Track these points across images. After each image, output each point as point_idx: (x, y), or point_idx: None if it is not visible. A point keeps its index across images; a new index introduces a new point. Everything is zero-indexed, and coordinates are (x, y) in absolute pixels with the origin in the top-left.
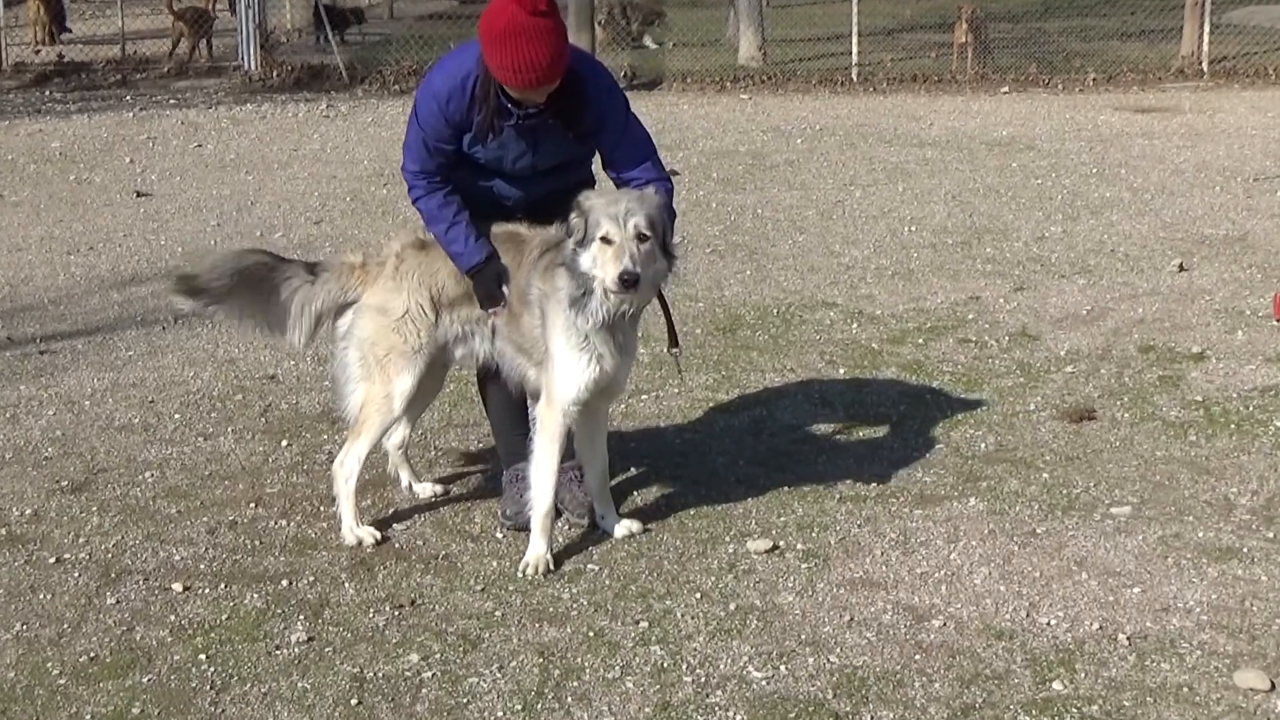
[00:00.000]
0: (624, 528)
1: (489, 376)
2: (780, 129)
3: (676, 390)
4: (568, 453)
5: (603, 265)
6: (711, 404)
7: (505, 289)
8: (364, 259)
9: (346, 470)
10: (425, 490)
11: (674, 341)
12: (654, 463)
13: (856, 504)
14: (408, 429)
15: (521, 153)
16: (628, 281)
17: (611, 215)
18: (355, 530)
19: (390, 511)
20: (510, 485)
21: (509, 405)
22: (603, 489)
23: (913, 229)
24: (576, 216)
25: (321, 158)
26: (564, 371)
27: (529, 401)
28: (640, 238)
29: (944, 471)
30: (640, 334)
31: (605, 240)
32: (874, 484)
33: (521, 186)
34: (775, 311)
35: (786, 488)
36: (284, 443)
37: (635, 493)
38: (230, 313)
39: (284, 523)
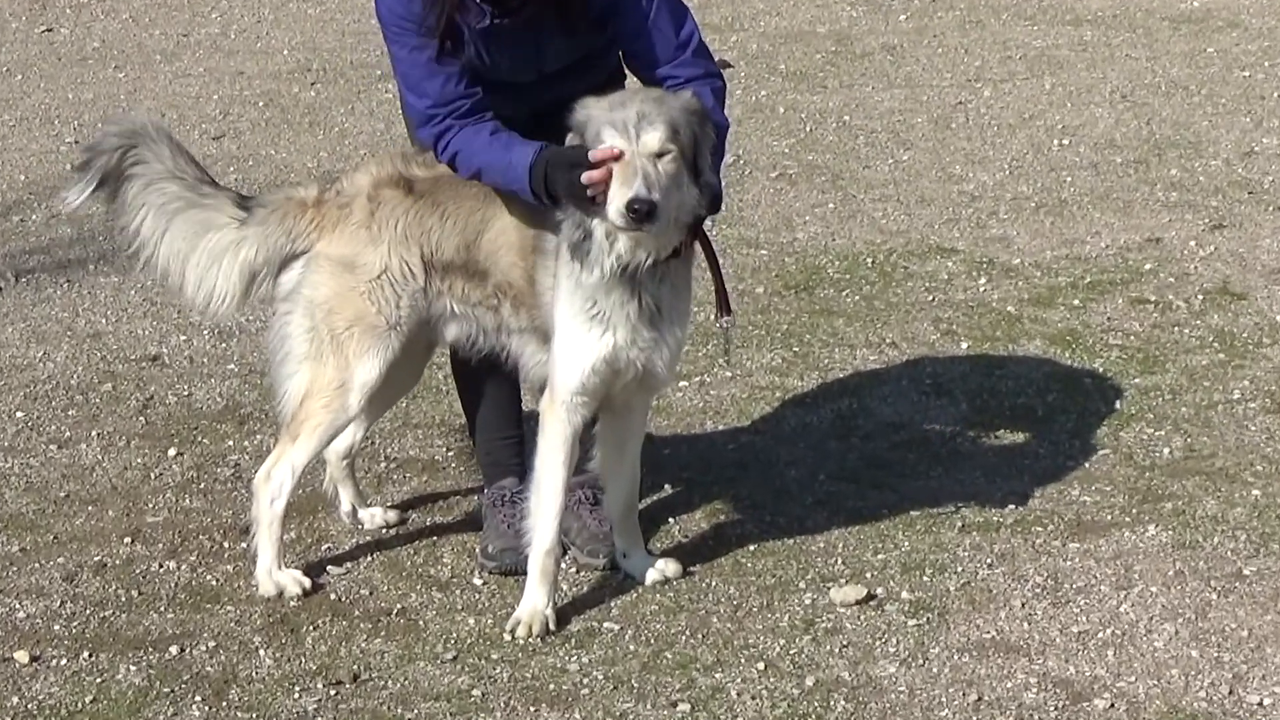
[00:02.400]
0: (656, 571)
1: (467, 358)
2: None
3: (730, 375)
4: (577, 465)
5: (611, 196)
6: (779, 394)
7: (577, 171)
8: (318, 194)
9: (274, 486)
10: (374, 518)
11: (724, 307)
12: (698, 478)
13: (986, 535)
14: (359, 433)
15: (522, 56)
16: (639, 212)
17: (616, 123)
18: (276, 575)
19: (325, 548)
20: (494, 511)
21: (495, 397)
22: (628, 516)
23: (1065, 143)
24: (572, 134)
25: (223, 46)
26: (564, 348)
27: (523, 393)
28: (658, 153)
29: (1111, 488)
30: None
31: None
32: (1010, 506)
33: (525, 97)
34: (869, 261)
35: (885, 512)
36: (172, 451)
37: (672, 520)
38: (127, 213)
39: (173, 565)
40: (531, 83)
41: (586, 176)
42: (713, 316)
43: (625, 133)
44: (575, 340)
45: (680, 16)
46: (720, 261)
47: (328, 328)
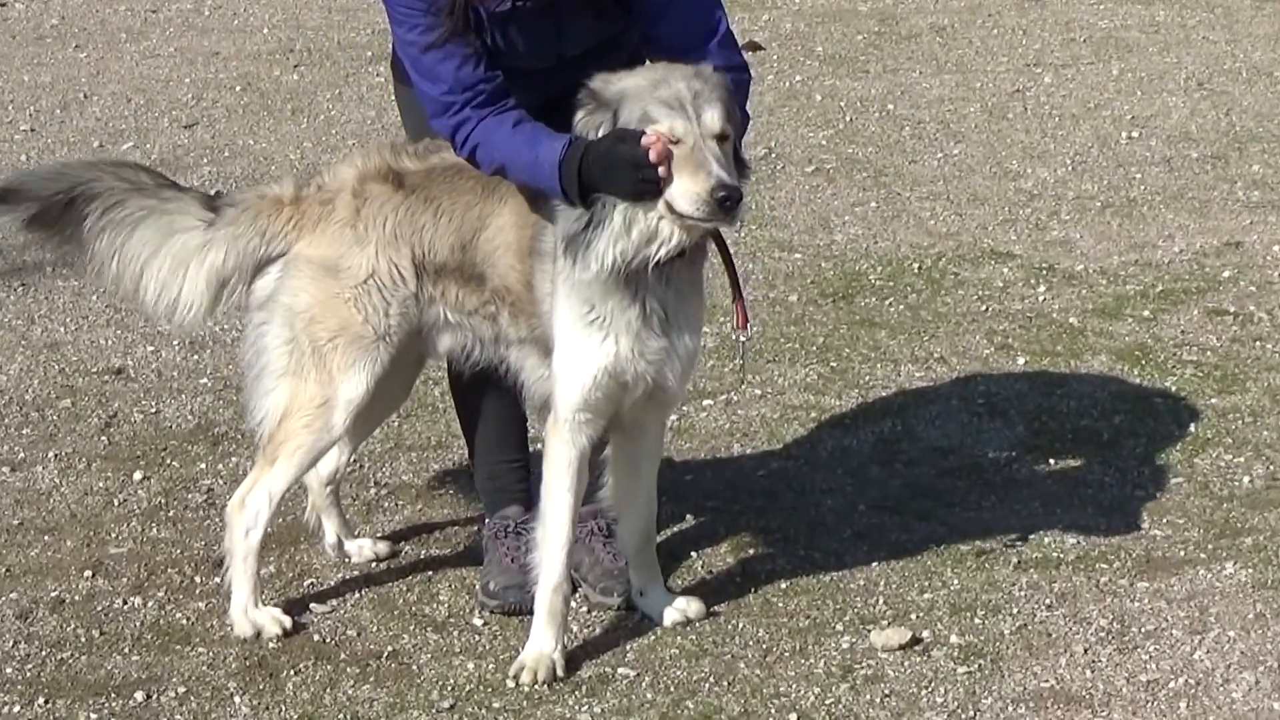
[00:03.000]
0: (676, 610)
1: (467, 372)
2: None
3: (759, 393)
4: (589, 492)
5: (677, 184)
6: (814, 414)
7: (635, 151)
8: (296, 191)
9: (249, 515)
10: (362, 550)
11: (741, 319)
12: (724, 507)
13: (1044, 572)
14: (344, 456)
15: (542, 41)
16: (729, 201)
17: (669, 101)
18: (252, 613)
19: (308, 584)
20: (496, 544)
21: (497, 417)
22: (645, 549)
23: (1135, 135)
24: (590, 111)
25: (195, 24)
26: (563, 360)
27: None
28: (719, 135)
29: (1184, 521)
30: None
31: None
32: (1072, 541)
33: (539, 83)
34: (916, 267)
35: (933, 547)
36: (137, 475)
37: (694, 554)
38: (69, 246)
39: (138, 602)
40: (547, 69)
41: (655, 156)
42: (732, 327)
43: (682, 112)
44: (574, 350)
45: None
46: (736, 264)
47: (309, 338)
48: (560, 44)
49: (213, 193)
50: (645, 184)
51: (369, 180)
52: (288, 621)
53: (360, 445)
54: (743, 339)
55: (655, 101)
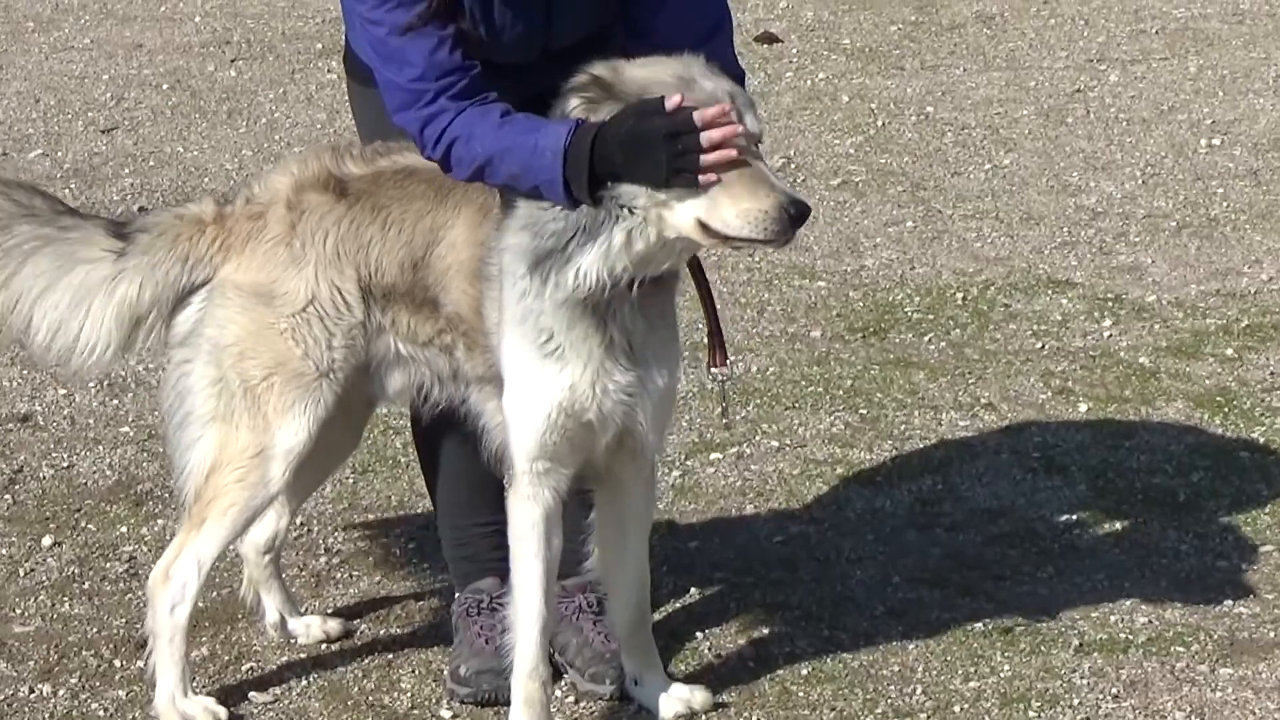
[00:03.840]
0: (678, 701)
1: (433, 417)
2: None
3: (775, 445)
4: (568, 560)
5: (727, 198)
6: (841, 470)
7: (682, 129)
8: (218, 209)
9: (175, 589)
10: (310, 629)
11: (717, 354)
12: (735, 579)
13: (1110, 657)
14: (285, 518)
15: (529, 29)
16: (801, 221)
17: (708, 102)
18: (180, 703)
19: (247, 668)
20: (468, 622)
21: (467, 472)
22: (639, 629)
23: (1216, 143)
24: (593, 102)
25: (115, 11)
26: (514, 398)
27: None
28: (759, 141)
29: (1275, 597)
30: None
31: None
32: (1143, 620)
33: (517, 84)
34: (960, 297)
35: (979, 626)
36: (47, 540)
37: (700, 635)
38: None
39: (48, 689)
40: (528, 65)
41: (707, 138)
42: (706, 365)
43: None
44: (527, 386)
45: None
46: (714, 292)
47: (239, 377)
48: (549, 32)
49: (119, 218)
50: (686, 157)
51: (306, 189)
52: (223, 713)
53: (304, 505)
54: (721, 378)
55: (692, 101)
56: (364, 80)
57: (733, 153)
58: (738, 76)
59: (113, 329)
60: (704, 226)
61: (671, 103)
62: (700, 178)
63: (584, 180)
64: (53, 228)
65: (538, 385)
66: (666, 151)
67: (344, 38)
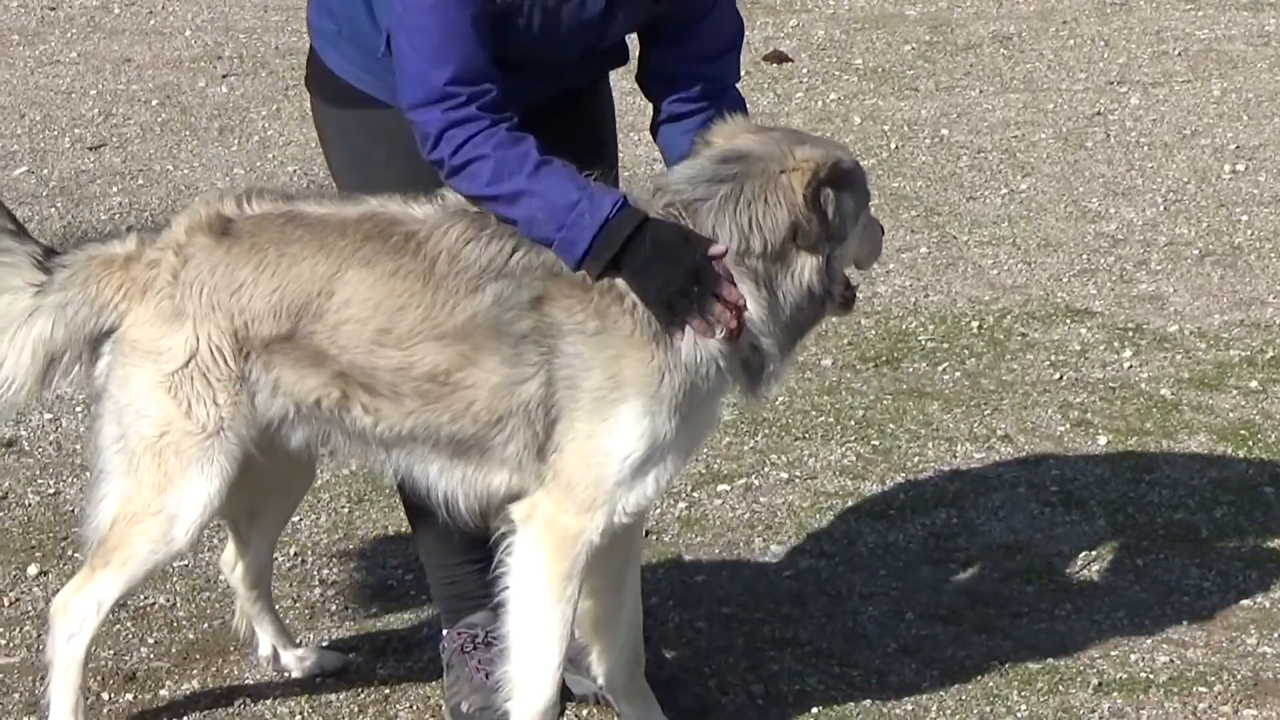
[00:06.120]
0: None
1: None
2: None
3: (785, 476)
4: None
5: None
6: (852, 502)
7: (703, 264)
8: (134, 249)
9: (74, 619)
10: (304, 662)
11: None
12: (742, 614)
13: (1130, 696)
14: (264, 551)
15: (587, 25)
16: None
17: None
18: None
19: (239, 703)
20: (464, 658)
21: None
22: (634, 671)
23: (1240, 169)
24: (741, 183)
25: (103, 24)
26: (630, 448)
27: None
28: None
29: None
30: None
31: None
32: (1164, 659)
33: (546, 83)
34: (976, 326)
35: (997, 665)
36: (32, 569)
37: (706, 671)
38: None
39: None
40: (564, 63)
41: (719, 308)
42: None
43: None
44: (650, 441)
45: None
46: None
47: (138, 436)
48: (603, 30)
49: (53, 246)
50: (685, 300)
51: (196, 233)
52: None
53: (299, 535)
54: None
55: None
56: (337, 100)
57: (716, 333)
58: (737, 98)
59: (28, 364)
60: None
61: (716, 250)
62: (691, 325)
63: (605, 259)
64: None
65: (664, 446)
66: (681, 283)
67: (308, 54)
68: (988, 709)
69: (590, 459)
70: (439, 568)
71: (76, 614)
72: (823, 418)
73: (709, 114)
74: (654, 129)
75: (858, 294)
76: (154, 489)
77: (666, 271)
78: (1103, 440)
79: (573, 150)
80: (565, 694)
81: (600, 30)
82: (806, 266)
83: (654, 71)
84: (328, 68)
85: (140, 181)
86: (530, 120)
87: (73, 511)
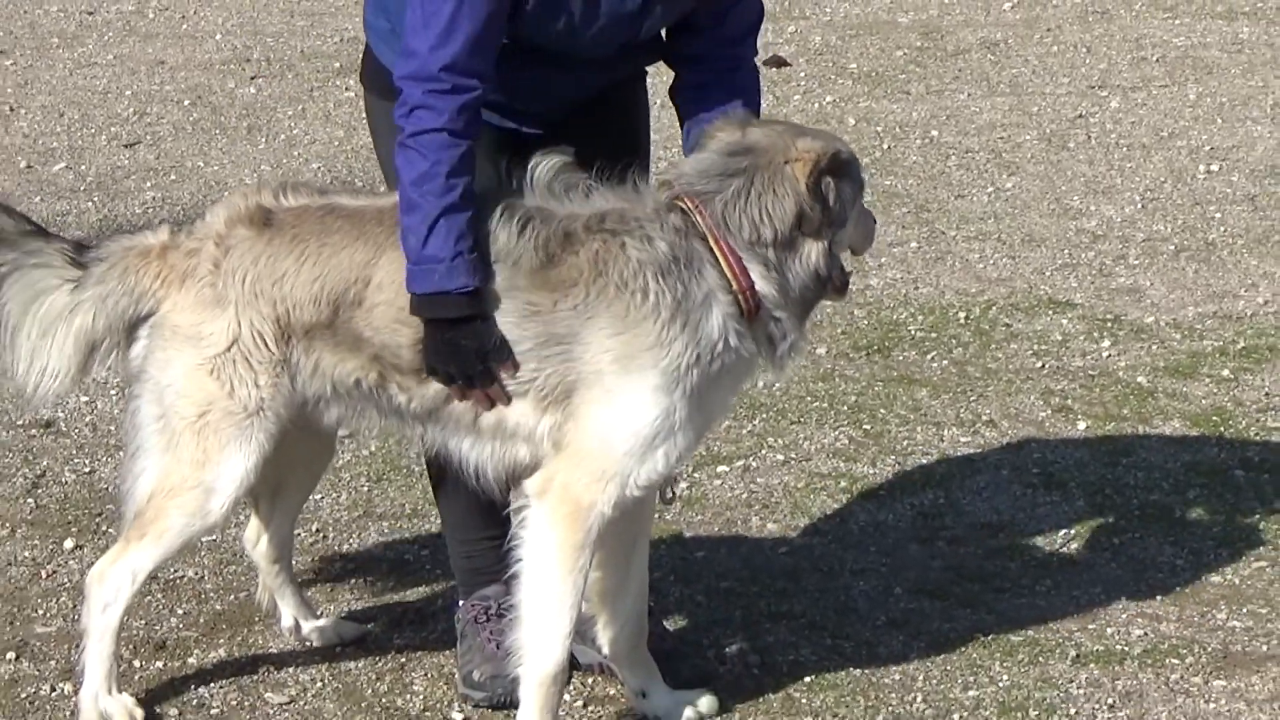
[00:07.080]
0: (685, 706)
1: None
2: None
3: (781, 459)
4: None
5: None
6: (845, 483)
7: (494, 364)
8: (169, 239)
9: (109, 590)
10: (324, 633)
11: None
12: (740, 588)
13: (1106, 668)
14: (285, 528)
15: (624, 19)
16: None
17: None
18: (104, 700)
19: (263, 671)
20: (477, 628)
21: (475, 491)
22: (638, 642)
23: (1214, 169)
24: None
25: (138, 28)
26: (640, 419)
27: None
28: None
29: (1268, 610)
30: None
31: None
32: (1139, 632)
33: (585, 78)
34: (962, 317)
35: (979, 637)
36: (69, 543)
37: (705, 643)
38: None
39: (68, 688)
40: (602, 58)
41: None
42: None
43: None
44: (666, 417)
45: None
46: None
47: (178, 415)
48: (641, 20)
49: (83, 240)
50: (464, 368)
51: (236, 224)
52: (139, 714)
53: (319, 510)
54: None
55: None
56: (388, 94)
57: (472, 407)
58: (754, 70)
59: (72, 355)
60: None
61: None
62: (459, 391)
63: (424, 316)
64: (18, 251)
65: (680, 421)
66: (468, 369)
67: (364, 51)
68: (971, 678)
69: (601, 430)
70: (458, 543)
71: (112, 584)
72: (817, 403)
73: (727, 85)
74: (673, 91)
75: (851, 285)
76: (193, 464)
77: (463, 357)
78: (1082, 425)
79: (606, 146)
80: (571, 663)
81: (637, 24)
82: (814, 251)
83: (679, 53)
84: (381, 63)
85: (172, 177)
86: (567, 116)
87: (108, 489)
